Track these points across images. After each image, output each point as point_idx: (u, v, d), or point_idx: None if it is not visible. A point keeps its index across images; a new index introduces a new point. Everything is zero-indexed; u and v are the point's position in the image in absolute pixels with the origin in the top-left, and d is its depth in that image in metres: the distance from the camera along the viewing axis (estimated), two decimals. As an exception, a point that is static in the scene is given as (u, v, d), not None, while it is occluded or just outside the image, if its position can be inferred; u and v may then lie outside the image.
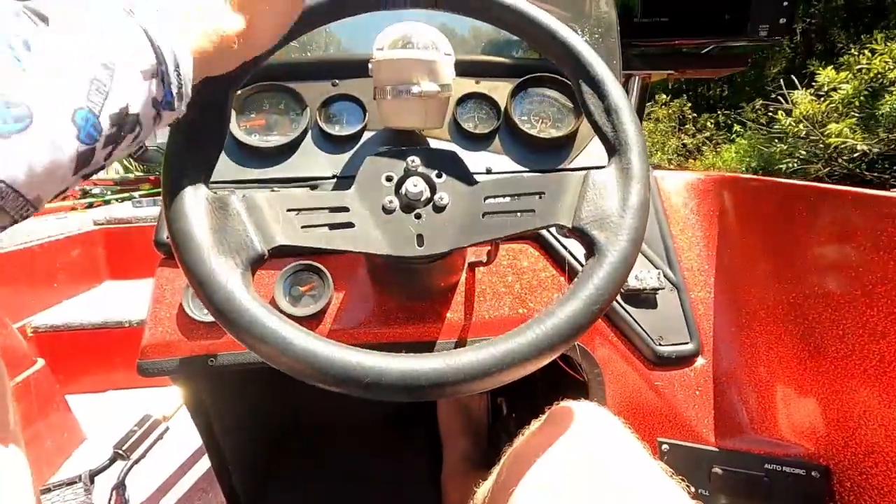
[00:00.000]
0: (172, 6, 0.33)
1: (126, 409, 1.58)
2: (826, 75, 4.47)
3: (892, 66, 4.00)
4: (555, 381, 0.75)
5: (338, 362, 0.35)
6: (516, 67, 0.86)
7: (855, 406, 0.58)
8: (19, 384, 1.31)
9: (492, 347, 0.36)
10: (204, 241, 0.39)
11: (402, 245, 0.46)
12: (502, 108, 0.81)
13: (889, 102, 3.94)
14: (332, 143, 0.78)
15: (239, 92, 0.79)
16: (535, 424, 0.54)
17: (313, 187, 0.74)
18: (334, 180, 0.75)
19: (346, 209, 0.48)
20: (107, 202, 2.74)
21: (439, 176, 0.49)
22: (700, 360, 0.72)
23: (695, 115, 10.02)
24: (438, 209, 0.47)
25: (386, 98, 0.68)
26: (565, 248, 0.72)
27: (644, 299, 0.72)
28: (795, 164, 5.00)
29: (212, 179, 0.78)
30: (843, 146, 4.26)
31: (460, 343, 0.68)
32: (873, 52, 4.13)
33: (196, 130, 0.43)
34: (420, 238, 0.46)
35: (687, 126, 9.92)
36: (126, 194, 2.87)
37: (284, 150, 0.76)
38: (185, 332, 0.66)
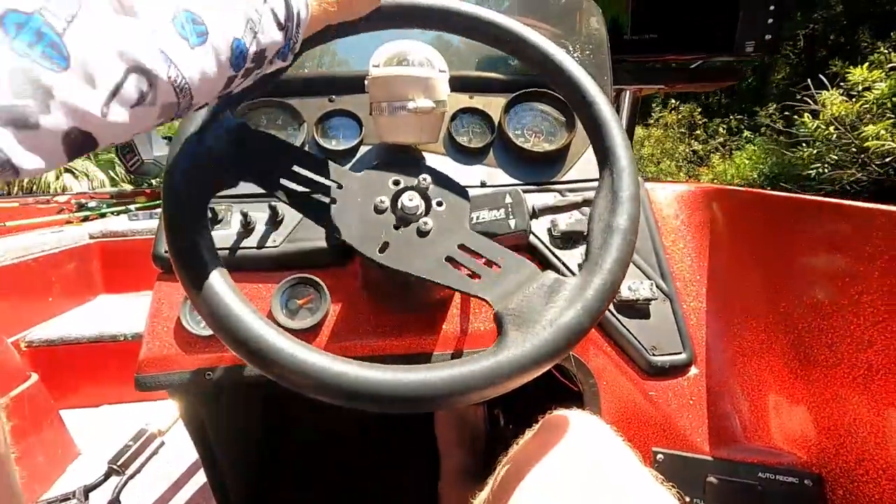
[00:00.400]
0: None
1: (121, 424, 1.57)
2: (860, 74, 4.16)
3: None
4: (551, 392, 0.75)
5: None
6: (510, 82, 0.88)
7: (845, 414, 0.59)
8: (13, 399, 1.30)
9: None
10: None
11: (365, 242, 0.48)
12: (496, 123, 0.83)
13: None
14: (328, 158, 0.79)
15: (238, 107, 0.81)
16: (529, 434, 0.54)
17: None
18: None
19: (339, 185, 0.50)
20: (103, 215, 2.73)
21: (440, 205, 0.51)
22: (693, 370, 0.73)
23: (706, 120, 9.81)
24: (420, 233, 0.49)
25: (382, 114, 0.69)
26: (559, 259, 0.73)
27: (637, 310, 0.74)
28: (826, 170, 4.64)
29: None
30: (878, 149, 3.94)
31: (456, 355, 0.68)
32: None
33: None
34: (385, 246, 0.48)
35: (698, 132, 9.69)
36: (122, 207, 2.87)
37: None
38: (182, 347, 0.67)
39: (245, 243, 0.70)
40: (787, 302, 0.68)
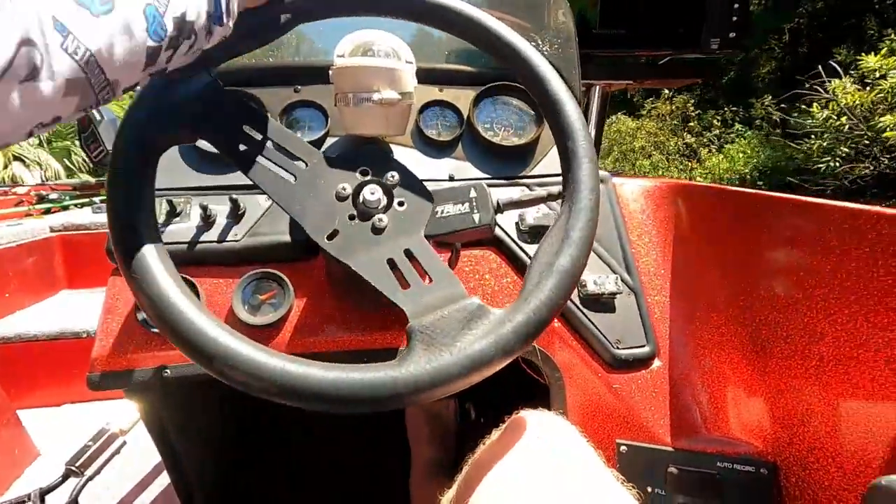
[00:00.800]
0: None
1: (83, 424, 1.52)
2: (875, 61, 3.89)
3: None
4: (521, 385, 0.76)
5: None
6: (479, 76, 0.87)
7: (798, 405, 0.61)
8: (-35, 400, 1.25)
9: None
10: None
11: (316, 226, 0.47)
12: (465, 116, 0.82)
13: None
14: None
15: None
16: (496, 434, 0.54)
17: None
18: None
19: (306, 164, 0.49)
20: (65, 208, 2.63)
21: (401, 205, 0.50)
22: (656, 363, 0.74)
23: (699, 111, 9.53)
24: (374, 229, 0.48)
25: (347, 105, 0.68)
26: (526, 253, 0.73)
27: (602, 303, 0.74)
28: (837, 164, 4.30)
29: (169, 186, 0.76)
30: (895, 141, 3.59)
31: None
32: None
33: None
34: (334, 234, 0.47)
35: (691, 124, 9.40)
36: (86, 199, 2.76)
37: None
38: (138, 344, 0.65)
39: (205, 237, 0.68)
40: (746, 295, 0.70)
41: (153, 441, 0.80)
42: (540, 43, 0.90)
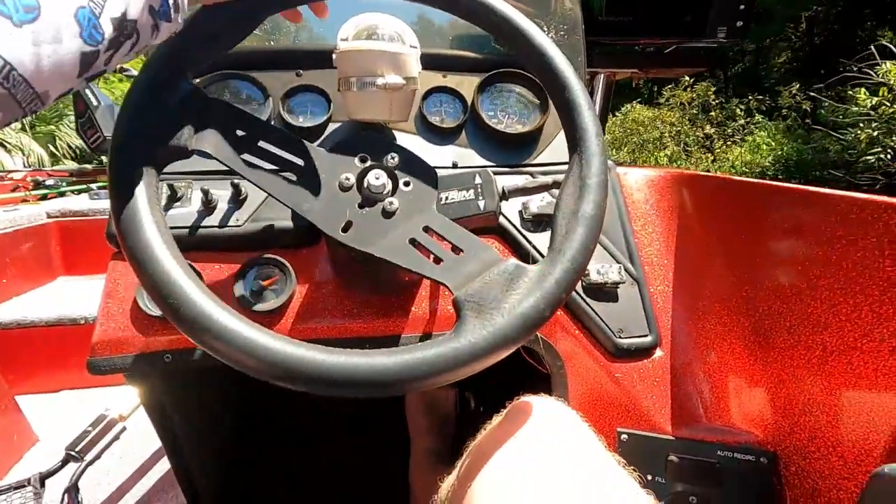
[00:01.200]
0: None
1: (81, 409, 1.52)
2: None
3: None
4: (520, 374, 0.76)
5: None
6: (483, 62, 0.86)
7: (800, 395, 0.61)
8: (-37, 385, 1.25)
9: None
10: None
11: (328, 221, 0.47)
12: (469, 103, 0.81)
13: None
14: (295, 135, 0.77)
15: (197, 80, 0.77)
16: (496, 420, 0.54)
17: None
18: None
19: (305, 161, 0.48)
20: (62, 194, 2.61)
21: (407, 185, 0.49)
22: (658, 352, 0.74)
23: (721, 100, 8.84)
24: (385, 213, 0.47)
25: (350, 89, 0.67)
26: (529, 242, 0.73)
27: (605, 293, 0.74)
28: (888, 157, 3.73)
29: (169, 170, 0.75)
30: None
31: (424, 337, 0.68)
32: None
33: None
34: (348, 225, 0.47)
35: (713, 113, 8.71)
36: (83, 186, 2.74)
37: None
38: (138, 328, 0.64)
39: (206, 222, 0.67)
40: (749, 286, 0.70)
41: (153, 426, 0.80)
42: (546, 29, 0.89)
